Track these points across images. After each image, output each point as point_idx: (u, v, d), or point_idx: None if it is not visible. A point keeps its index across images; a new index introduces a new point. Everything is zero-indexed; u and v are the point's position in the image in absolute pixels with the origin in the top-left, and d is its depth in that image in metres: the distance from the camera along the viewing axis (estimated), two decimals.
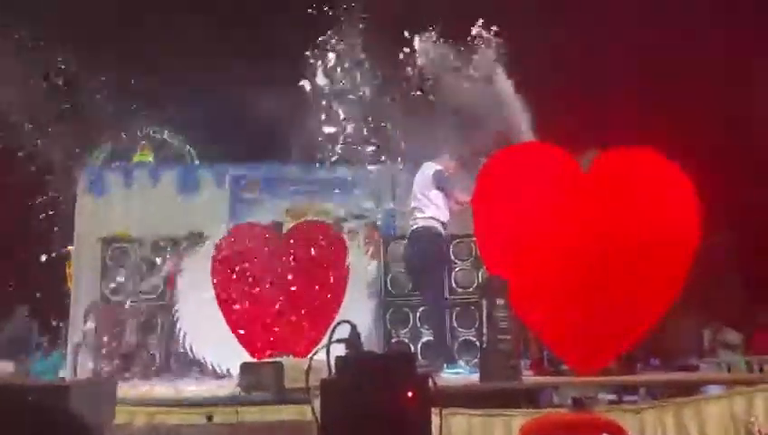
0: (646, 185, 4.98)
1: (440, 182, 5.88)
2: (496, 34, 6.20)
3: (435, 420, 1.98)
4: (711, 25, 8.51)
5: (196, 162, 9.65)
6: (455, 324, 7.03)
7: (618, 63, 9.04)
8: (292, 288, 6.89)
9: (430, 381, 2.00)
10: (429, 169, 6.05)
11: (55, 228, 8.41)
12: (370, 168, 8.87)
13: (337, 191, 8.60)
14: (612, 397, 4.69)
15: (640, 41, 8.88)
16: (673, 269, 4.81)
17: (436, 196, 5.88)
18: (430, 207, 5.87)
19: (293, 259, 7.02)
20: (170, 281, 7.01)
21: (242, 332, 6.66)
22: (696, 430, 3.79)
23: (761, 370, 5.85)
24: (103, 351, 6.83)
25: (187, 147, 9.78)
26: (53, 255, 8.63)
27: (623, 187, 5.00)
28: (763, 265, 8.38)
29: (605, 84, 8.66)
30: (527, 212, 5.01)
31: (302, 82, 7.45)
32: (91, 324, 7.03)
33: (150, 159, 9.02)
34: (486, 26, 6.26)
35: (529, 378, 4.90)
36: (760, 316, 8.13)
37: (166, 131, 9.68)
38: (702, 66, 8.45)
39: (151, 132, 9.55)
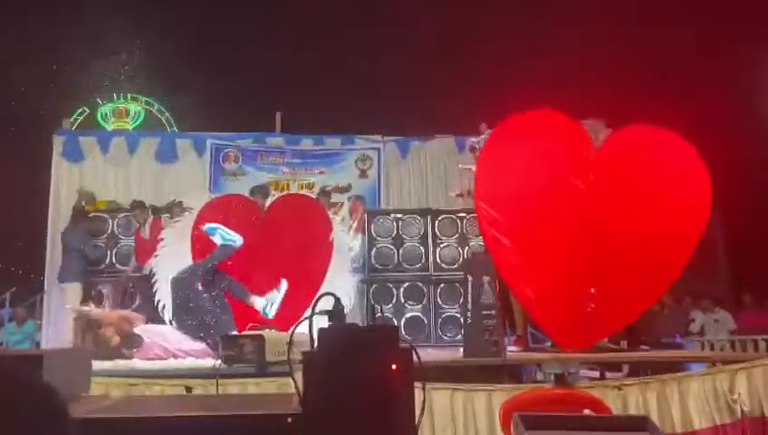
0: (657, 166, 4.84)
1: None
2: None
3: (418, 393, 1.90)
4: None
5: (175, 130, 9.43)
6: (438, 301, 7.00)
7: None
8: (275, 261, 6.77)
9: (414, 354, 1.92)
10: None
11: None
12: (356, 140, 8.75)
13: (321, 163, 8.46)
14: (595, 374, 4.68)
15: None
16: (676, 252, 4.74)
17: None
18: None
19: (276, 232, 6.89)
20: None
21: None
22: (678, 407, 3.79)
23: (744, 348, 5.91)
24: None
25: (166, 113, 9.55)
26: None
27: (634, 165, 4.85)
28: (749, 248, 8.48)
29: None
30: (533, 182, 4.88)
31: None
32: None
33: (128, 126, 8.79)
34: None
35: (513, 354, 4.86)
36: (746, 296, 8.25)
37: (144, 98, 9.42)
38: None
39: (129, 98, 9.29)
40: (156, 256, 6.63)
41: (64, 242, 7.04)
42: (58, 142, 8.18)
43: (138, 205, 7.22)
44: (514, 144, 5.00)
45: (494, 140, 5.13)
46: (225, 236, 5.76)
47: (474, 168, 5.52)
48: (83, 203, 7.23)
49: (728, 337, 7.35)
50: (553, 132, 5.03)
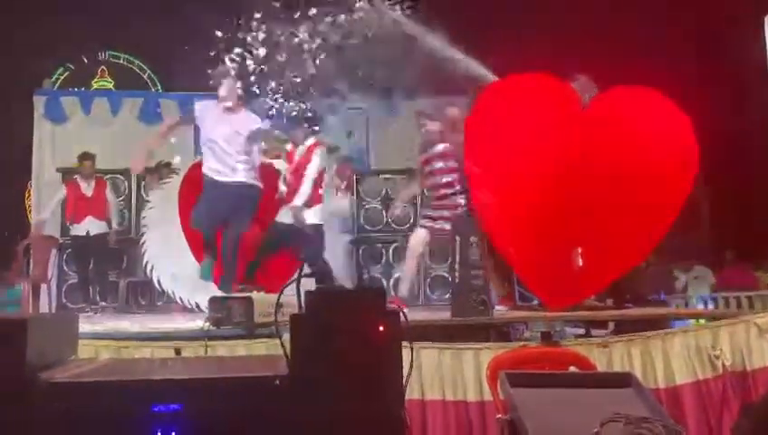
0: (645, 126, 4.83)
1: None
2: None
3: (406, 353, 1.92)
4: None
5: (159, 89, 9.23)
6: (427, 261, 7.04)
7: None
8: (263, 223, 6.74)
9: (401, 315, 1.93)
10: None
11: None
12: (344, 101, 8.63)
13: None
14: (581, 331, 4.75)
15: None
16: (663, 212, 4.77)
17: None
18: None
19: (265, 193, 6.82)
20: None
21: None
22: (662, 363, 3.85)
23: (727, 305, 6.01)
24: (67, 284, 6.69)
25: (148, 72, 9.33)
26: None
27: (621, 126, 4.83)
28: (732, 205, 8.57)
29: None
30: (521, 142, 4.86)
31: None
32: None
33: (110, 85, 8.59)
34: None
35: (500, 313, 4.92)
36: (728, 254, 8.38)
37: (125, 55, 9.19)
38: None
39: (111, 57, 9.06)
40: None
41: None
42: (39, 102, 8.01)
43: (87, 156, 6.82)
44: (501, 107, 4.98)
45: (481, 104, 5.10)
46: None
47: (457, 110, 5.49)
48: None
49: (710, 294, 7.50)
50: (541, 93, 5.01)
